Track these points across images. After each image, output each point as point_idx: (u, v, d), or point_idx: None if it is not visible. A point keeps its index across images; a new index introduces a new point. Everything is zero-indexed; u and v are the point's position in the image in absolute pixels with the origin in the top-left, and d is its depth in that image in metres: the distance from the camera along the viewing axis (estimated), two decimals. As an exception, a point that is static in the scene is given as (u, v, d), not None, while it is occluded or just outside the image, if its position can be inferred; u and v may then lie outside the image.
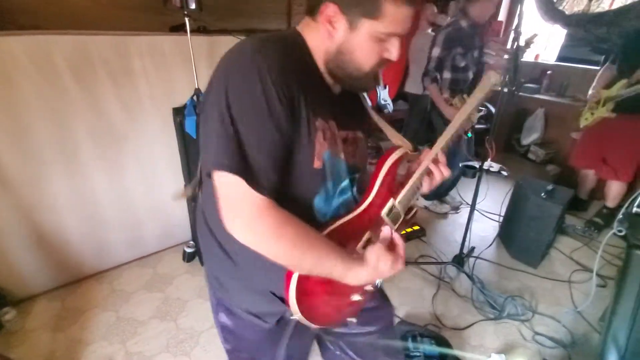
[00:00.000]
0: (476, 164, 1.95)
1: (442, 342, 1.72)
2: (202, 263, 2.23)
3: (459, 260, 2.27)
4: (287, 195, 0.70)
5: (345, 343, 1.01)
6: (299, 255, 0.66)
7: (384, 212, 0.81)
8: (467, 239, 2.20)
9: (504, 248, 2.55)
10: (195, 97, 1.95)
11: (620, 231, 1.22)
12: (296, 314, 0.75)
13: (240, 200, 0.63)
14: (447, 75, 2.47)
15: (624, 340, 1.26)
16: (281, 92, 0.62)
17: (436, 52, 2.43)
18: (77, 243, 1.96)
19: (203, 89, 2.03)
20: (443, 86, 2.47)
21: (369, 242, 0.79)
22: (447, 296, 2.09)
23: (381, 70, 0.75)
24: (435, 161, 0.85)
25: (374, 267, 0.72)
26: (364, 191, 0.83)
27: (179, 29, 1.96)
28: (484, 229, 2.78)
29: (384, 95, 4.26)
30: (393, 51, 0.69)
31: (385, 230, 0.77)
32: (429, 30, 3.50)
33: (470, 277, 2.16)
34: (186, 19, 1.80)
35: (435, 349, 1.64)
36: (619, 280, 1.26)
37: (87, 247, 2.01)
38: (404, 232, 2.48)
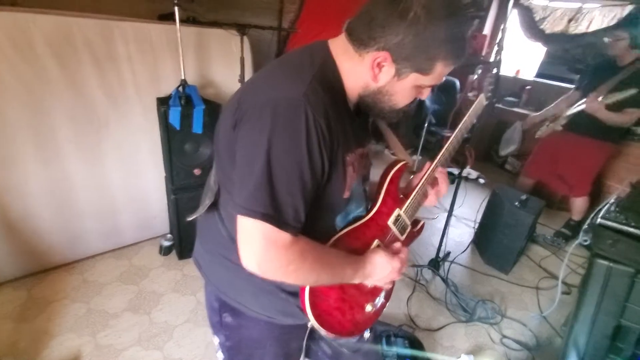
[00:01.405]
0: (455, 171, 2.01)
1: (415, 342, 1.76)
2: (179, 257, 2.19)
3: (435, 264, 2.33)
4: (311, 217, 0.72)
5: (326, 344, 1.03)
6: (315, 277, 0.71)
7: (390, 220, 0.86)
8: (444, 243, 2.27)
9: (477, 254, 2.63)
10: (180, 88, 1.91)
11: (585, 241, 1.29)
12: (311, 320, 0.78)
13: (263, 240, 0.64)
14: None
15: (583, 344, 1.33)
16: (324, 144, 0.64)
17: None
18: (48, 230, 1.89)
19: (189, 80, 2.02)
20: None
21: (377, 248, 0.85)
22: (422, 298, 2.14)
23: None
24: (439, 173, 0.92)
25: (379, 267, 0.80)
26: (370, 200, 0.88)
27: (168, 17, 1.93)
28: (460, 234, 2.86)
29: None
30: (425, 94, 0.76)
31: (396, 246, 0.85)
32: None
33: (444, 280, 2.22)
34: (175, 8, 1.77)
35: (407, 351, 1.68)
36: (582, 287, 1.34)
37: (59, 236, 1.94)
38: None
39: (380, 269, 0.81)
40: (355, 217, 0.85)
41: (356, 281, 0.80)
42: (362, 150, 0.83)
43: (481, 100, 1.04)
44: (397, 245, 0.88)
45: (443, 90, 4.06)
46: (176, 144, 1.94)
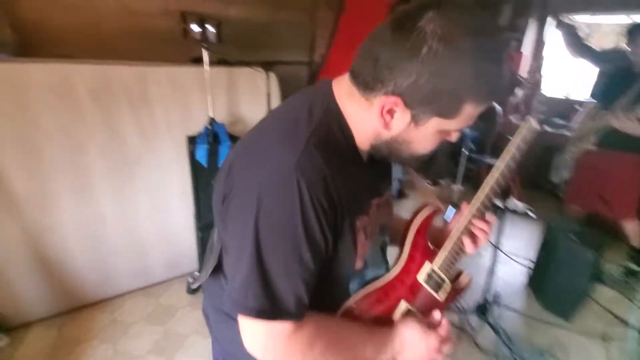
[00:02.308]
0: (498, 203, 1.81)
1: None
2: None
3: (483, 309, 2.07)
4: (318, 291, 0.63)
5: None
6: None
7: (420, 277, 0.74)
8: (491, 284, 2.02)
9: (533, 297, 2.32)
10: (209, 126, 1.94)
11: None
12: None
13: (262, 334, 0.58)
14: None
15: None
16: (325, 220, 0.55)
17: None
18: (80, 269, 1.92)
19: (219, 117, 2.04)
20: None
21: (407, 313, 0.72)
22: (469, 350, 1.88)
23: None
24: (476, 218, 0.76)
25: (411, 344, 0.67)
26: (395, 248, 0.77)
27: (199, 60, 2.00)
28: (511, 273, 2.57)
29: None
30: (454, 138, 0.63)
31: (435, 316, 0.71)
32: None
33: (494, 328, 1.96)
34: (204, 52, 1.83)
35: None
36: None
37: (91, 274, 1.97)
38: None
39: (412, 346, 0.68)
40: (374, 278, 0.74)
41: (382, 358, 0.68)
42: (379, 200, 0.72)
43: (531, 126, 0.82)
44: (437, 315, 0.74)
45: (481, 116, 3.85)
46: (203, 181, 1.94)
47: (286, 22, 3.16)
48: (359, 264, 0.67)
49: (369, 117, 0.59)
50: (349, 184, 0.60)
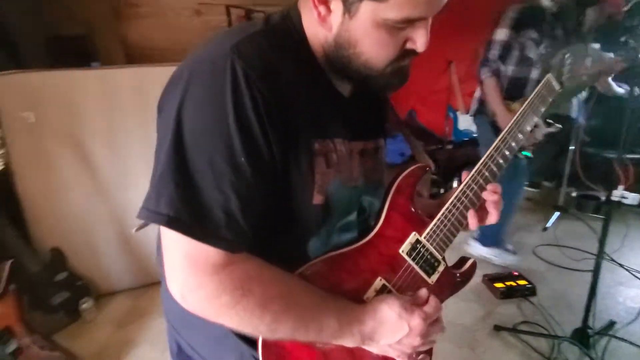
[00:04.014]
0: (600, 195, 1.36)
1: None
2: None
3: (583, 337, 1.59)
4: (273, 238, 0.55)
5: None
6: (269, 324, 0.49)
7: (403, 249, 0.61)
8: (593, 306, 1.54)
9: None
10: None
11: None
12: None
13: (183, 258, 0.46)
14: (509, 69, 1.87)
15: None
16: (266, 115, 0.46)
17: (502, 34, 1.84)
18: (155, 249, 2.14)
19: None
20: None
21: (383, 291, 0.59)
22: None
23: (408, 63, 0.54)
24: (478, 184, 0.64)
25: (388, 324, 0.53)
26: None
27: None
28: (635, 296, 1.94)
29: (465, 121, 3.55)
30: (418, 40, 0.50)
31: (421, 293, 0.59)
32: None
33: (597, 363, 1.48)
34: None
35: None
36: None
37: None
38: (500, 284, 1.97)
39: (389, 327, 0.53)
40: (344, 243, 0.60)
41: (348, 342, 0.52)
42: (363, 144, 0.61)
43: (549, 84, 0.70)
44: (422, 292, 0.58)
45: (601, 101, 3.08)
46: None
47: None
48: (317, 198, 0.54)
49: (314, 21, 0.51)
50: (308, 99, 0.52)
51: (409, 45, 0.51)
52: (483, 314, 1.89)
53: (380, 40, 0.49)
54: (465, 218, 0.63)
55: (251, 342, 0.56)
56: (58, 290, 1.82)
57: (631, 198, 1.27)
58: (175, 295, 0.47)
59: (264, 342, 0.53)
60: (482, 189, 0.64)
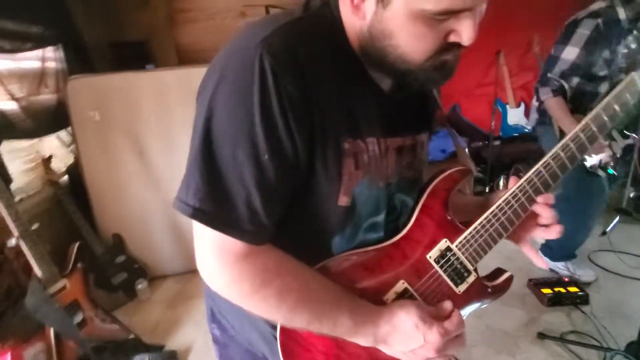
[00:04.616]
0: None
1: None
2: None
3: (639, 352, 1.45)
4: (297, 232, 0.56)
5: None
6: (286, 313, 0.52)
7: (431, 255, 0.58)
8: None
9: None
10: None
11: None
12: None
13: (209, 245, 0.49)
14: (573, 81, 1.66)
15: None
16: (289, 106, 0.45)
17: (571, 54, 1.63)
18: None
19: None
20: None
21: (404, 294, 0.58)
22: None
23: (454, 57, 0.49)
24: (527, 195, 0.59)
25: (402, 333, 0.53)
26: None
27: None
28: None
29: (515, 116, 3.29)
30: (463, 33, 0.45)
31: (445, 306, 0.57)
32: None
33: (655, 382, 1.34)
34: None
35: None
36: None
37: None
38: (548, 290, 1.85)
39: (403, 335, 0.53)
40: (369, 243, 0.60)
41: (360, 341, 0.54)
42: (400, 141, 0.59)
43: (634, 81, 0.59)
44: (447, 305, 0.57)
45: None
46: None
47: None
48: (342, 200, 0.53)
49: (349, 11, 0.49)
50: (342, 95, 0.50)
51: (452, 38, 0.46)
52: (526, 320, 1.79)
53: (416, 33, 0.45)
54: (506, 229, 0.59)
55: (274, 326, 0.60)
56: (118, 272, 2.03)
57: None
58: (203, 276, 0.52)
59: (282, 325, 0.56)
60: (531, 200, 0.59)
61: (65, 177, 2.20)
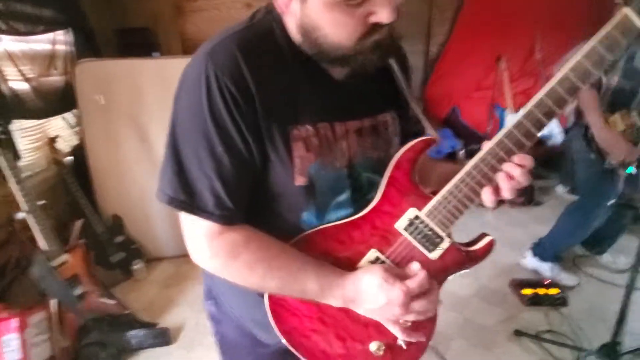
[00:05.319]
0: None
1: None
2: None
3: (610, 353, 1.52)
4: (267, 211, 0.63)
5: None
6: (257, 280, 0.59)
7: (399, 224, 0.61)
8: (624, 322, 1.47)
9: None
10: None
11: None
12: (278, 335, 0.66)
13: (190, 228, 0.59)
14: (613, 79, 1.69)
15: None
16: (237, 111, 0.53)
17: None
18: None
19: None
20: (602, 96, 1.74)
21: (376, 262, 0.63)
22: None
23: (386, 35, 0.53)
24: (497, 156, 0.56)
25: (367, 293, 0.58)
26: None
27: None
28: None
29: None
30: (381, 12, 0.49)
31: (413, 266, 0.61)
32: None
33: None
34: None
35: None
36: None
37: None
38: (529, 291, 1.92)
39: (368, 296, 0.58)
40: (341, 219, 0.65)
41: (331, 303, 0.60)
42: (360, 122, 0.64)
43: (626, 18, 0.50)
44: (414, 266, 0.61)
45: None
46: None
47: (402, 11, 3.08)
48: (299, 180, 0.59)
49: (283, 12, 0.56)
50: (287, 87, 0.56)
51: (373, 19, 0.50)
52: (505, 317, 1.87)
53: (337, 21, 0.50)
54: (477, 194, 0.58)
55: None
56: (116, 251, 2.11)
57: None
58: (190, 255, 0.60)
59: (268, 294, 0.64)
60: (502, 161, 0.56)
61: (70, 158, 2.27)
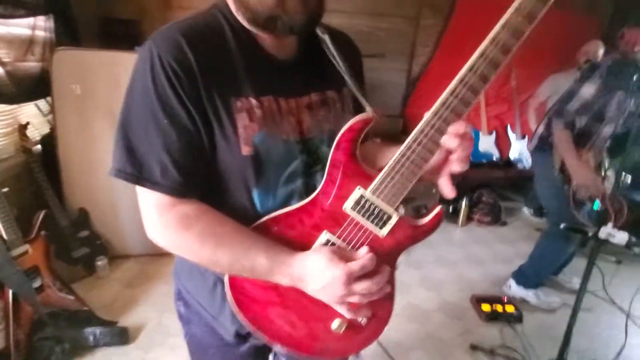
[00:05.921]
0: (588, 230, 1.36)
1: None
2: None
3: (555, 368, 1.61)
4: (220, 189, 0.65)
5: None
6: (208, 255, 0.60)
7: (346, 205, 0.61)
8: (569, 341, 1.56)
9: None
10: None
11: None
12: (242, 320, 0.67)
13: (142, 201, 0.61)
14: (582, 120, 1.79)
15: None
16: (175, 79, 0.56)
17: (590, 90, 1.74)
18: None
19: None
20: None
21: (328, 244, 0.64)
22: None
23: None
24: (436, 127, 0.56)
25: (312, 272, 0.59)
26: None
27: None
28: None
29: (486, 143, 3.48)
30: None
31: (362, 250, 0.62)
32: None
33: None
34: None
35: None
36: None
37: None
38: (487, 307, 2.00)
39: (314, 275, 0.59)
40: (293, 195, 0.67)
41: (281, 281, 0.62)
42: (309, 97, 0.67)
43: None
44: (363, 250, 0.62)
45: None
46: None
47: (387, 30, 3.18)
48: (245, 149, 0.61)
49: None
50: (229, 64, 0.60)
51: None
52: (463, 331, 1.94)
53: None
54: (420, 167, 0.58)
55: (221, 280, 0.68)
56: (80, 246, 2.05)
57: (619, 237, 1.27)
58: (146, 230, 0.62)
59: (228, 277, 0.65)
60: (442, 132, 0.56)
61: (39, 146, 2.19)
